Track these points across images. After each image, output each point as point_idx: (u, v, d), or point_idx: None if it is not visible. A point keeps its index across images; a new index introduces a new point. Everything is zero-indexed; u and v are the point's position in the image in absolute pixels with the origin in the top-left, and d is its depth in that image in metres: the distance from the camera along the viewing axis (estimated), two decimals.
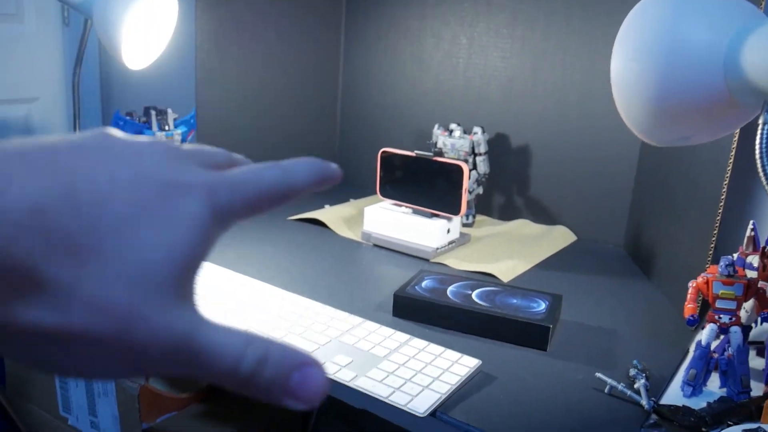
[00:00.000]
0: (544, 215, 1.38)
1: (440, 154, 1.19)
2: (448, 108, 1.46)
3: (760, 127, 0.57)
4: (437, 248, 1.14)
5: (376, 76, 1.57)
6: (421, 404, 0.67)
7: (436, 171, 1.13)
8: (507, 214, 1.41)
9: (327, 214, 1.32)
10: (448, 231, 1.17)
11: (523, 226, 1.35)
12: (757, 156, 0.57)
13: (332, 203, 1.45)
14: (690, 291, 0.79)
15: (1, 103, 1.91)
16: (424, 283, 0.94)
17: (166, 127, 1.26)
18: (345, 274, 1.05)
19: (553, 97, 1.32)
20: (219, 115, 1.45)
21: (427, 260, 1.14)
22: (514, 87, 1.37)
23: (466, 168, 1.09)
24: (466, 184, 1.10)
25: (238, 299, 0.90)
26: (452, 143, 1.33)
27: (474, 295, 0.91)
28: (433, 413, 0.67)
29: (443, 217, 1.15)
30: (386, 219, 1.18)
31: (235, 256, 1.09)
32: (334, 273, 1.05)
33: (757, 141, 0.56)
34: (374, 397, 0.69)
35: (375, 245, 1.20)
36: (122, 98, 2.04)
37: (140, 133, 1.24)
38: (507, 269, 1.10)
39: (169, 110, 1.27)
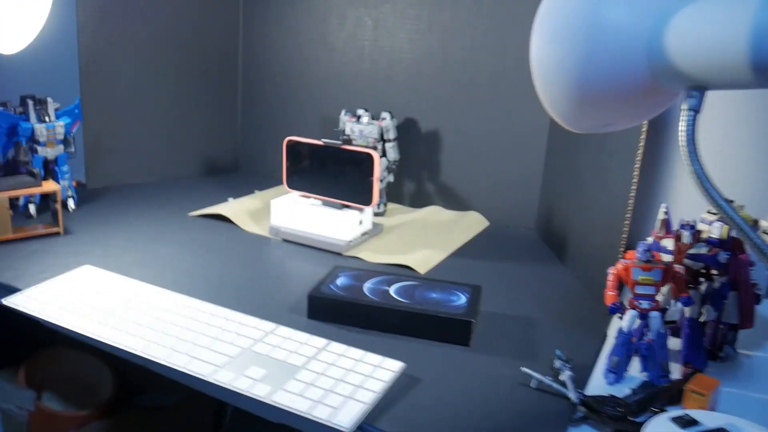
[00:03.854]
0: (455, 201, 1.35)
1: (349, 141, 1.13)
2: (355, 92, 1.41)
3: (683, 113, 0.56)
4: (350, 241, 1.09)
5: (279, 58, 1.49)
6: (345, 417, 0.62)
7: (346, 160, 1.08)
8: (418, 201, 1.38)
9: (231, 208, 1.24)
10: (360, 222, 1.12)
11: (435, 213, 1.33)
12: (682, 143, 0.55)
13: (235, 195, 1.37)
14: (610, 278, 0.78)
15: None
16: (339, 281, 0.89)
17: (47, 119, 1.14)
18: (253, 273, 0.99)
19: (462, 80, 1.30)
20: (107, 104, 1.33)
21: (339, 254, 1.09)
22: (423, 70, 1.33)
23: (376, 156, 1.04)
24: (377, 172, 1.05)
25: (137, 309, 0.81)
26: (360, 130, 1.28)
27: (392, 291, 0.87)
28: (360, 426, 0.63)
29: (354, 208, 1.11)
30: (295, 212, 1.12)
31: (131, 261, 1.00)
32: (241, 273, 0.98)
33: (682, 127, 0.54)
34: (294, 413, 0.64)
35: (284, 240, 1.14)
36: None
37: (16, 125, 1.12)
38: (422, 260, 1.06)
39: (49, 99, 1.15)
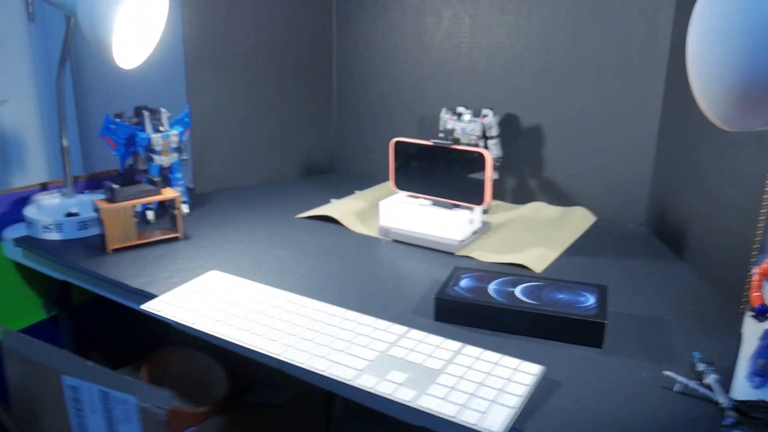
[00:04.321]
0: (560, 196, 1.33)
1: (457, 141, 1.13)
2: (453, 90, 1.40)
3: None
4: (462, 240, 1.09)
5: (373, 59, 1.50)
6: (494, 422, 0.62)
7: (456, 159, 1.07)
8: (521, 197, 1.37)
9: (336, 209, 1.26)
10: (471, 221, 1.11)
11: (540, 209, 1.31)
12: None
13: (337, 196, 1.39)
14: (755, 278, 0.75)
15: None
16: (462, 282, 0.89)
17: (161, 128, 1.18)
18: (370, 275, 1.00)
19: (564, 73, 1.27)
20: (211, 111, 1.37)
21: (451, 254, 1.08)
22: (522, 64, 1.31)
23: (488, 155, 1.04)
24: (489, 172, 1.04)
25: (269, 313, 0.84)
26: (462, 128, 1.27)
27: (517, 292, 0.86)
28: (509, 430, 0.63)
29: (464, 207, 1.10)
30: (405, 212, 1.13)
31: (251, 264, 1.02)
32: (358, 275, 0.99)
33: None
34: (441, 417, 0.64)
35: (395, 240, 1.14)
36: (98, 98, 1.94)
37: (134, 136, 1.16)
38: (537, 259, 1.05)
39: (163, 110, 1.18)
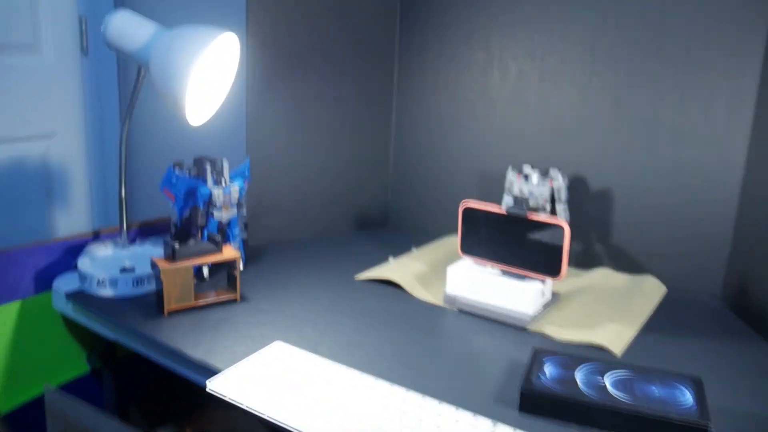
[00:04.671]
0: (627, 263, 1.27)
1: (532, 209, 1.08)
2: (517, 149, 1.35)
3: None
4: (533, 314, 1.03)
5: (434, 112, 1.46)
6: None
7: (531, 229, 1.02)
8: (586, 262, 1.31)
9: (397, 271, 1.21)
10: (542, 293, 1.06)
11: (607, 277, 1.25)
12: None
13: (391, 251, 1.34)
14: None
15: (18, 140, 1.78)
16: (547, 369, 0.83)
17: (222, 182, 1.14)
18: (441, 351, 0.94)
19: (638, 135, 1.22)
20: (268, 160, 1.34)
21: (523, 329, 1.03)
22: (593, 125, 1.26)
23: (567, 228, 0.98)
24: (567, 244, 0.99)
25: (340, 397, 0.78)
26: (530, 190, 1.22)
27: (608, 384, 0.80)
28: None
29: (535, 278, 1.05)
30: (473, 281, 1.07)
31: (315, 335, 0.97)
32: (429, 351, 0.94)
33: None
34: None
35: (460, 311, 1.09)
36: (148, 144, 1.92)
37: (195, 189, 1.13)
38: (615, 338, 0.99)
39: (225, 162, 1.15)
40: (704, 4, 1.13)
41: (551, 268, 1.02)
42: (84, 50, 1.88)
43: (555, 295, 1.12)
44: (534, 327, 1.03)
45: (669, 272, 1.23)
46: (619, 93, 1.23)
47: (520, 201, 1.21)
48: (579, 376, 0.82)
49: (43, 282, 1.16)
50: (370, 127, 1.49)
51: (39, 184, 1.83)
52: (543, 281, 1.05)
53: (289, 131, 1.36)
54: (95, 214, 1.97)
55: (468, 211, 1.08)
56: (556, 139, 1.31)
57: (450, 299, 1.10)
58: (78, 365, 1.24)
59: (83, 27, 1.85)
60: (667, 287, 1.22)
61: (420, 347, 0.95)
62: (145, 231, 1.33)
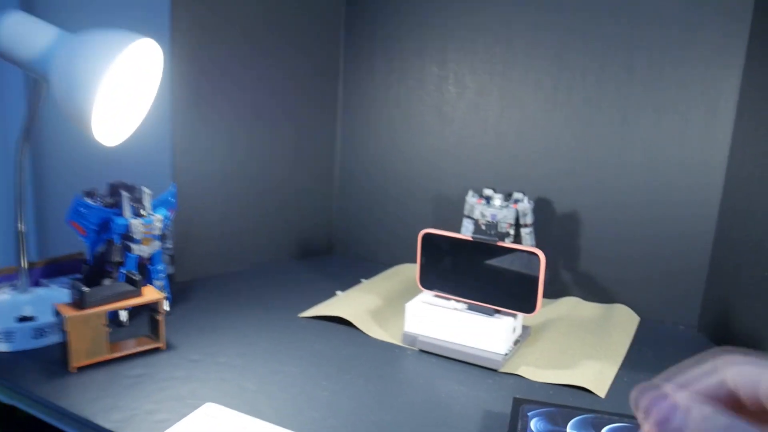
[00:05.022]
0: (596, 291, 1.17)
1: (502, 236, 0.96)
2: (476, 170, 1.24)
3: None
4: (505, 354, 0.91)
5: (384, 131, 1.34)
6: None
7: (501, 259, 0.91)
8: (552, 291, 1.20)
9: (346, 307, 1.07)
10: (514, 329, 0.94)
11: (576, 306, 1.14)
12: None
13: (338, 283, 1.20)
14: None
15: None
16: (534, 427, 0.70)
17: (143, 212, 0.98)
18: (406, 401, 0.80)
19: (608, 154, 1.13)
20: (197, 186, 1.18)
21: (495, 370, 0.90)
22: (559, 144, 1.17)
23: (543, 257, 0.87)
24: (543, 275, 0.88)
25: None
26: (493, 214, 1.11)
27: None
28: None
29: (505, 314, 0.93)
30: (435, 318, 0.95)
31: (256, 388, 0.82)
32: (391, 401, 0.80)
33: None
34: None
35: (422, 350, 0.96)
36: (59, 170, 1.72)
37: (108, 220, 0.96)
38: (597, 377, 0.88)
39: (145, 189, 0.99)
40: (679, 9, 1.05)
41: (525, 303, 0.90)
42: None
43: (525, 329, 1.01)
44: (507, 368, 0.91)
45: (642, 301, 1.13)
46: (587, 109, 1.13)
47: (488, 226, 1.10)
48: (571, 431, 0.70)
49: None
50: (312, 146, 1.36)
51: None
52: (514, 317, 0.93)
53: (221, 152, 1.21)
54: (5, 249, 1.75)
55: (428, 239, 0.96)
56: (518, 159, 1.20)
57: (410, 338, 0.97)
58: None
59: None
60: (640, 317, 1.12)
61: (379, 397, 0.81)
62: (52, 270, 1.15)
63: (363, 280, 1.23)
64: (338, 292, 1.17)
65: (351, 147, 1.38)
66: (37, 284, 1.12)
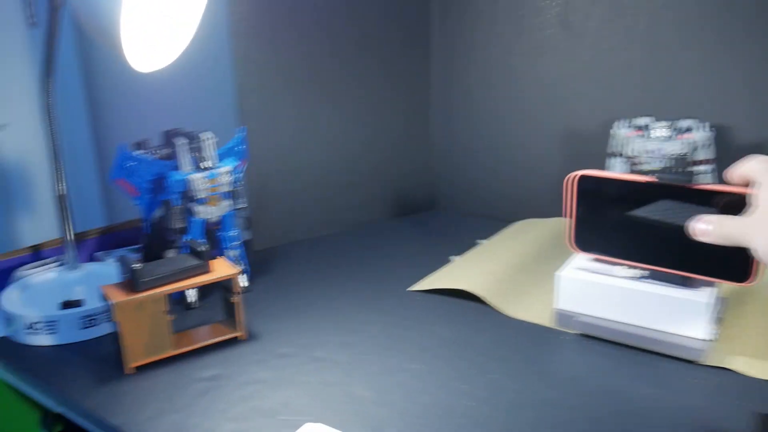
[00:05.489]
0: None
1: (681, 172, 0.70)
2: (619, 96, 0.97)
3: None
4: (706, 339, 0.65)
5: (493, 52, 1.07)
6: None
7: (690, 207, 0.64)
8: None
9: (469, 278, 0.83)
10: (715, 305, 0.68)
11: None
12: None
13: (454, 249, 0.96)
14: None
15: None
16: None
17: (205, 164, 0.76)
18: (577, 413, 0.57)
19: None
20: (272, 137, 0.96)
21: (694, 362, 0.65)
22: (739, 54, 0.87)
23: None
24: None
25: None
26: (657, 149, 0.84)
27: None
28: None
29: (701, 283, 0.67)
30: (599, 291, 0.70)
31: (373, 395, 0.60)
32: (557, 411, 0.56)
33: None
34: None
35: (582, 334, 0.71)
36: (118, 118, 1.53)
37: (163, 176, 0.75)
38: None
39: (208, 135, 0.77)
40: None
41: (733, 268, 0.63)
42: (32, 20, 1.49)
43: (722, 302, 0.74)
44: (711, 359, 0.65)
45: None
46: None
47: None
48: None
49: None
50: (404, 82, 1.11)
51: None
52: (715, 286, 0.67)
53: (299, 93, 0.98)
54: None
55: (586, 183, 0.70)
56: (684, 78, 0.92)
57: (565, 318, 0.72)
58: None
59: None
60: None
61: (540, 407, 0.57)
62: (110, 240, 0.96)
63: (480, 241, 0.99)
64: (453, 258, 0.93)
65: (449, 80, 1.12)
66: (91, 259, 0.93)
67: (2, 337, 0.73)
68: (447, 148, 1.16)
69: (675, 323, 0.66)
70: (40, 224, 1.59)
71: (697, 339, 0.65)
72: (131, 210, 1.10)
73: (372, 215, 1.12)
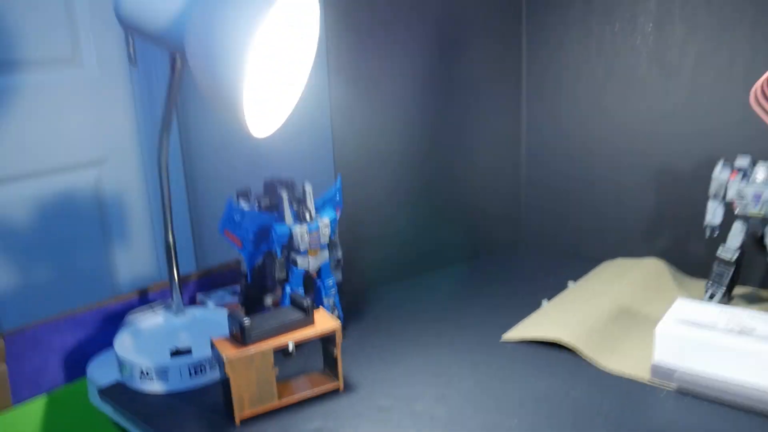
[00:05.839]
0: None
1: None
2: (718, 134, 0.95)
3: None
4: None
5: (584, 91, 1.07)
6: None
7: None
8: None
9: (562, 325, 0.82)
10: None
11: None
12: None
13: (546, 293, 0.96)
14: None
15: (66, 170, 1.49)
16: None
17: (306, 215, 0.79)
18: None
19: None
20: (364, 178, 0.99)
21: None
22: None
23: None
24: None
25: None
26: (756, 193, 0.82)
27: None
28: None
29: None
30: (702, 344, 0.68)
31: None
32: None
33: None
34: None
35: (681, 391, 0.70)
36: (208, 170, 1.60)
37: (267, 227, 0.78)
38: None
39: (308, 187, 0.80)
40: None
41: None
42: (132, 60, 1.58)
43: None
44: None
45: None
46: None
47: None
48: None
49: (78, 365, 0.85)
50: (494, 122, 1.12)
51: (92, 224, 1.54)
52: None
53: (389, 137, 1.01)
54: (160, 260, 1.65)
55: None
56: None
57: (662, 372, 0.71)
58: None
59: (129, 34, 1.55)
60: None
61: None
62: (208, 282, 1.01)
63: (571, 283, 0.98)
64: (544, 302, 0.93)
65: (540, 117, 1.12)
66: (193, 301, 0.98)
67: (116, 383, 0.78)
68: (533, 186, 1.16)
69: None
70: (141, 267, 1.68)
71: None
72: (219, 254, 1.15)
73: (460, 254, 1.13)
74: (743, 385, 0.66)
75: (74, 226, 1.50)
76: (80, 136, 1.49)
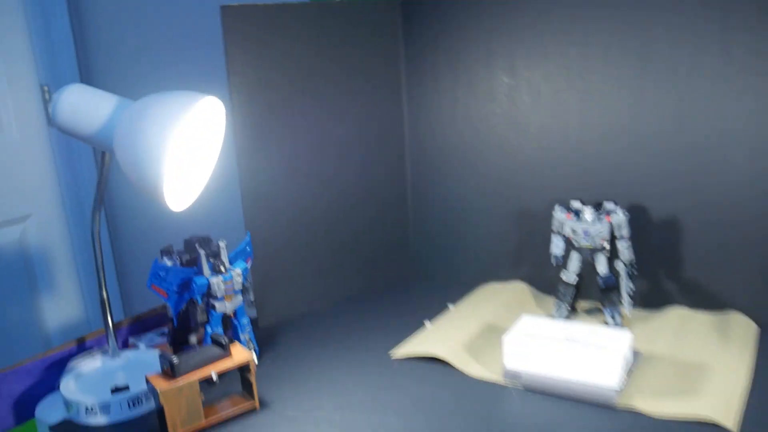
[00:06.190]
0: (703, 299, 1.08)
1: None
2: (559, 180, 1.17)
3: None
4: (619, 387, 0.84)
5: (456, 148, 1.28)
6: None
7: None
8: (653, 300, 1.12)
9: (439, 342, 1.02)
10: (626, 358, 0.87)
11: (685, 318, 1.06)
12: None
13: (429, 315, 1.15)
14: None
15: None
16: None
17: (221, 268, 0.95)
18: None
19: (706, 150, 1.04)
20: (270, 230, 1.15)
21: (609, 406, 0.84)
22: (649, 144, 1.08)
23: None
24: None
25: None
26: (584, 229, 1.04)
27: None
28: None
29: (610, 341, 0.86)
30: (536, 351, 0.89)
31: None
32: None
33: None
34: None
35: (526, 389, 0.90)
36: (134, 227, 1.73)
37: (189, 281, 0.94)
38: (724, 405, 0.80)
39: (221, 244, 0.96)
40: None
41: None
42: (50, 122, 1.70)
43: (637, 355, 0.93)
44: (622, 402, 0.84)
45: (759, 308, 1.04)
46: (680, 103, 1.04)
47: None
48: None
49: (26, 408, 0.98)
50: (381, 171, 1.31)
51: (19, 278, 1.63)
52: (626, 343, 0.86)
53: (290, 192, 1.18)
54: (88, 308, 1.76)
55: None
56: (605, 166, 1.12)
57: (511, 375, 0.91)
58: None
59: (46, 96, 1.67)
60: (759, 326, 1.03)
61: None
62: (138, 327, 1.15)
63: (450, 306, 1.18)
64: (427, 323, 1.12)
65: (422, 168, 1.33)
66: (125, 344, 1.12)
67: (65, 420, 0.91)
68: (420, 225, 1.36)
69: (595, 375, 0.85)
70: (69, 317, 1.78)
71: (612, 388, 0.84)
72: (147, 301, 1.29)
73: (357, 288, 1.31)
74: (572, 381, 0.86)
75: (1, 281, 1.60)
76: (2, 194, 1.59)
